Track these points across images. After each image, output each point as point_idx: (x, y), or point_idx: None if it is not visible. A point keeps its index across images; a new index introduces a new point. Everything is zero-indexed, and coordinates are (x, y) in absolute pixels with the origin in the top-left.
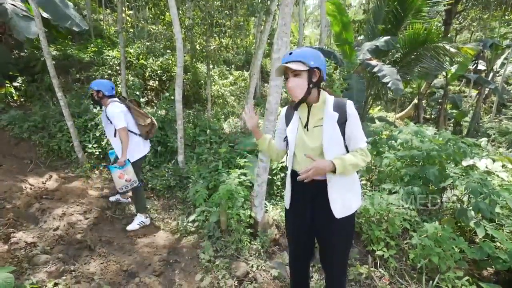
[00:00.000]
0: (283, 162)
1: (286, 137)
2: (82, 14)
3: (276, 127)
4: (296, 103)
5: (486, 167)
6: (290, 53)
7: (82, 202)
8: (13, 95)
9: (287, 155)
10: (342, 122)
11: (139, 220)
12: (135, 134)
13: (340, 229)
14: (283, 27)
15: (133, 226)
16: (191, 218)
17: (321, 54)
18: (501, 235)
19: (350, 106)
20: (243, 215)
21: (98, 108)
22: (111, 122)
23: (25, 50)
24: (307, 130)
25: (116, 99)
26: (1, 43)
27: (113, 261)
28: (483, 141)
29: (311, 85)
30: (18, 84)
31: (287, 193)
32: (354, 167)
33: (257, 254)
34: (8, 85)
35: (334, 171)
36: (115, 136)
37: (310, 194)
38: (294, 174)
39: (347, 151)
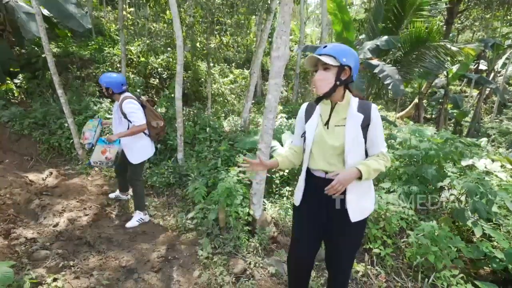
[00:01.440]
0: None
1: (304, 132)
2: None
3: (295, 127)
4: (318, 98)
5: (485, 167)
6: (325, 46)
7: (82, 199)
8: (14, 91)
9: (304, 151)
10: (365, 125)
11: (138, 217)
12: (145, 135)
13: (353, 233)
14: (283, 25)
15: (132, 223)
16: (190, 215)
17: (356, 53)
18: (498, 234)
19: (374, 109)
20: (241, 212)
21: (99, 105)
22: (125, 118)
23: (26, 47)
24: (327, 128)
25: (130, 94)
26: (2, 39)
27: (112, 257)
28: (483, 141)
29: (338, 82)
30: (18, 81)
31: (299, 190)
32: (377, 172)
33: (255, 252)
34: (9, 82)
35: (359, 177)
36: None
37: (325, 196)
38: (309, 172)
39: (366, 155)
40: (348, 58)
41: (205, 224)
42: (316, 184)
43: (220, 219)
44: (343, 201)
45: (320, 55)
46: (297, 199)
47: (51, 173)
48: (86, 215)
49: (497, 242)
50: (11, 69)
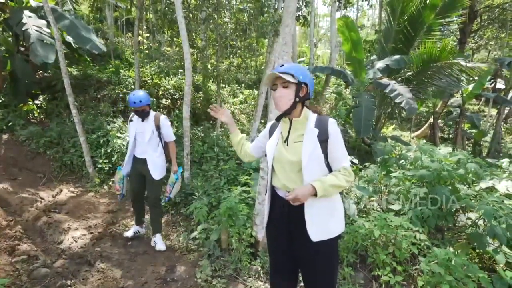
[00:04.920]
0: None
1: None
2: (105, 38)
3: (258, 136)
4: (280, 115)
5: (507, 190)
6: (282, 65)
7: (88, 217)
8: (34, 112)
9: (267, 170)
10: (323, 140)
11: (161, 238)
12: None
13: (318, 253)
14: (284, 46)
15: (162, 245)
16: (193, 235)
17: (309, 72)
18: None
19: (332, 124)
20: (243, 233)
21: (112, 125)
22: (158, 133)
23: (49, 71)
24: (287, 145)
25: None
26: (26, 64)
27: (110, 277)
28: (505, 162)
29: (297, 99)
30: (39, 102)
31: (265, 210)
32: (336, 188)
33: (256, 276)
34: (30, 103)
35: (315, 194)
36: (157, 147)
37: (287, 214)
38: (273, 190)
39: (329, 170)
40: (304, 76)
41: (207, 245)
42: (279, 204)
43: (222, 240)
44: (303, 220)
45: (280, 72)
46: (264, 219)
47: (61, 190)
48: (91, 233)
49: None
50: (33, 91)
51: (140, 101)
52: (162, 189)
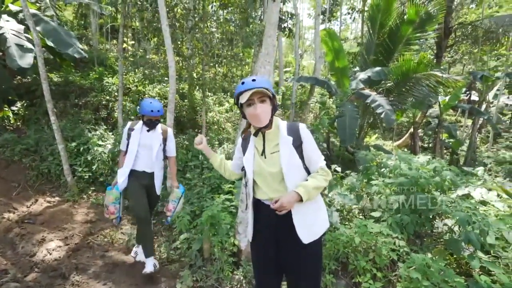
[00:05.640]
0: None
1: (244, 167)
2: (89, 44)
3: (234, 153)
4: (258, 130)
5: (482, 197)
6: (253, 80)
7: (65, 227)
8: (10, 118)
9: (246, 186)
10: (297, 145)
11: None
12: None
13: (309, 255)
14: (266, 56)
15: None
16: (174, 245)
17: None
18: (497, 268)
19: (303, 128)
20: (226, 242)
21: (93, 132)
22: (163, 146)
23: (28, 77)
24: (265, 157)
25: None
26: (4, 69)
27: None
28: (480, 170)
29: (274, 111)
30: (16, 108)
31: (249, 224)
32: (318, 189)
33: (238, 285)
34: (6, 109)
35: (301, 200)
36: (162, 160)
37: (274, 223)
38: (258, 202)
39: (308, 172)
40: (271, 88)
41: (189, 254)
42: (265, 214)
43: (204, 250)
44: (291, 225)
45: (259, 88)
46: (249, 234)
47: (36, 200)
48: (67, 244)
49: (496, 276)
50: (10, 97)
51: (158, 111)
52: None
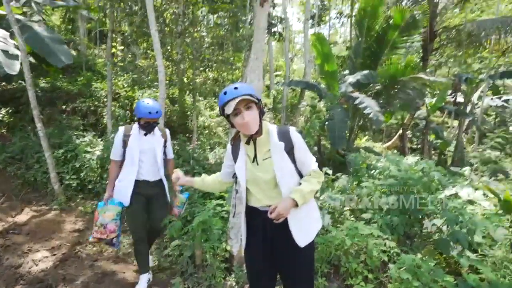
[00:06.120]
0: None
1: (235, 174)
2: (77, 49)
3: (223, 161)
4: (249, 138)
5: (468, 196)
6: (235, 88)
7: (52, 237)
8: None
9: (237, 193)
10: (288, 150)
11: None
12: None
13: (305, 257)
14: (255, 61)
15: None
16: (165, 252)
17: None
18: (484, 266)
19: (293, 132)
20: (218, 248)
21: (81, 138)
22: (164, 150)
23: (13, 83)
24: (257, 164)
25: None
26: None
27: None
28: (467, 170)
29: (261, 117)
30: (1, 115)
31: (242, 233)
32: (312, 193)
33: None
34: None
35: (296, 205)
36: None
37: (268, 229)
38: (251, 210)
39: (300, 176)
40: (254, 93)
41: (180, 261)
42: (259, 222)
43: (196, 256)
44: (287, 230)
45: (243, 96)
46: (243, 242)
47: (22, 209)
48: (54, 255)
49: (484, 274)
50: None
51: (157, 112)
52: None
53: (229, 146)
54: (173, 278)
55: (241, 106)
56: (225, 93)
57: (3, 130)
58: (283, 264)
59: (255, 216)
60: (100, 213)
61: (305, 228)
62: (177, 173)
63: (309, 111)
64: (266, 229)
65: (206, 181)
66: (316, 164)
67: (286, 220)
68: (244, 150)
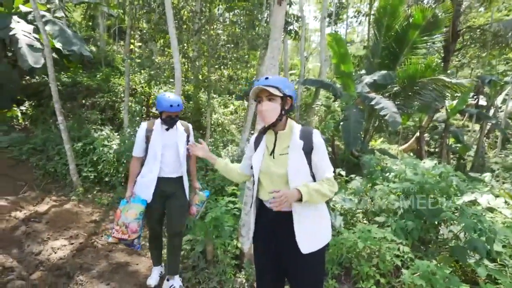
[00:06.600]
0: None
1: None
2: (97, 45)
3: (245, 153)
4: (265, 128)
5: (488, 203)
6: (267, 78)
7: (70, 227)
8: (19, 118)
9: (253, 184)
10: (308, 151)
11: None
12: None
13: (307, 264)
14: (272, 59)
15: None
16: None
17: (292, 85)
18: (504, 276)
19: (316, 135)
20: (229, 245)
21: (99, 132)
22: (187, 142)
23: (36, 77)
24: (273, 157)
25: None
26: (13, 69)
27: None
28: (487, 176)
29: (283, 112)
30: (25, 108)
31: (251, 224)
32: (321, 195)
33: None
34: (15, 109)
35: (300, 200)
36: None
37: (274, 226)
38: (260, 204)
39: (314, 180)
40: (289, 89)
41: (192, 256)
42: (266, 216)
43: (207, 252)
44: (291, 232)
45: (266, 86)
46: (250, 234)
47: (42, 199)
48: (71, 243)
49: (503, 285)
50: (18, 97)
51: (178, 105)
52: None
53: (253, 136)
54: (185, 272)
55: (264, 95)
56: (258, 80)
57: (26, 122)
58: (288, 267)
59: (262, 211)
60: (123, 211)
61: (310, 234)
62: (203, 143)
63: (324, 111)
64: (272, 227)
65: (229, 166)
66: (332, 174)
67: (291, 221)
68: (265, 142)
